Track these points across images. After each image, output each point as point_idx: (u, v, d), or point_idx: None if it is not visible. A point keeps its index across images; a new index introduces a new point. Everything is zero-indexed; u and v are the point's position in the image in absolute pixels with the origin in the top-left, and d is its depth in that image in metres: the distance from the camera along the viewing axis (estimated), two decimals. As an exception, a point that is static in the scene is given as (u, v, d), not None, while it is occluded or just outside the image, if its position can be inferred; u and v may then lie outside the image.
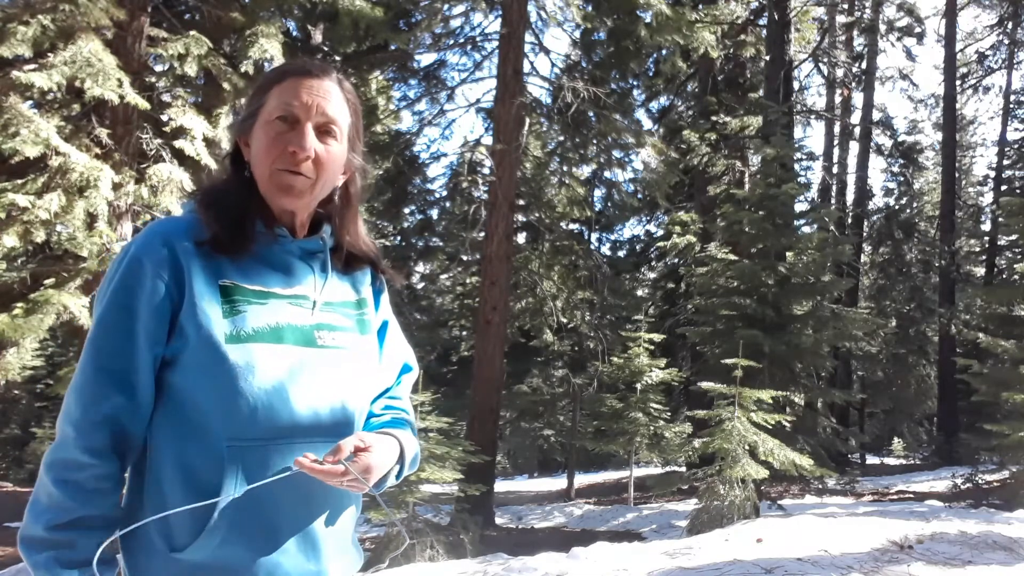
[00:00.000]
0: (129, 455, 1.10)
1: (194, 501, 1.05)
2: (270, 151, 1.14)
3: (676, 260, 14.61)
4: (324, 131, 1.16)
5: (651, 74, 14.89)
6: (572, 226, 14.44)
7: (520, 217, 12.53)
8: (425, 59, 26.27)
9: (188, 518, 1.05)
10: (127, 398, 1.07)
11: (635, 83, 14.24)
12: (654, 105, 16.96)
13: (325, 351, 1.15)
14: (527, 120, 10.55)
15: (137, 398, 1.08)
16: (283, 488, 1.08)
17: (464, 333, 17.01)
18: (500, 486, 14.85)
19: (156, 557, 1.07)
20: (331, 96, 1.17)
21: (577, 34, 11.80)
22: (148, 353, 1.08)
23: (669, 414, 12.25)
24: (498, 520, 10.52)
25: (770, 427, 7.14)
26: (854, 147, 19.04)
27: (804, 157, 16.06)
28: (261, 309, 1.11)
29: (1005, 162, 18.21)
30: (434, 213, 13.40)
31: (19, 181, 5.80)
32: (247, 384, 1.06)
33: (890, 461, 18.74)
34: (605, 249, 17.72)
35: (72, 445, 1.05)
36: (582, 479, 16.64)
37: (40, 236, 5.78)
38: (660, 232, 16.37)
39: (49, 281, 6.24)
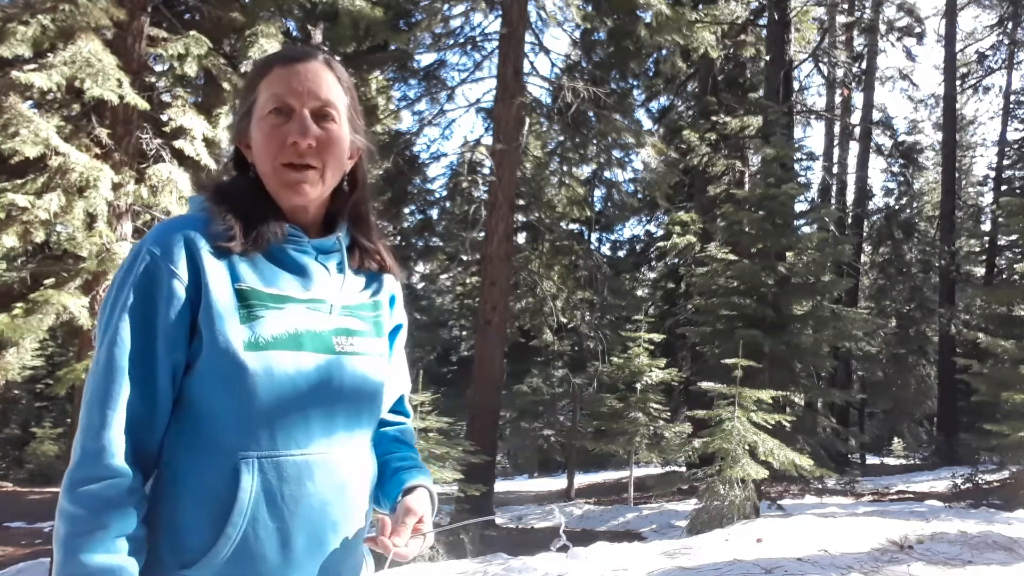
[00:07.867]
0: (148, 468, 1.04)
1: (207, 515, 1.01)
2: (269, 146, 1.09)
3: (676, 260, 14.60)
4: (321, 115, 1.11)
5: (651, 74, 14.89)
6: (572, 226, 14.44)
7: (520, 217, 12.52)
8: (425, 59, 26.21)
9: (201, 534, 1.01)
10: (147, 407, 1.01)
11: (635, 83, 14.24)
12: (654, 105, 16.99)
13: (343, 358, 1.11)
14: (527, 120, 10.55)
15: (157, 407, 1.02)
16: (300, 506, 1.05)
17: (464, 333, 17.04)
18: (500, 486, 14.85)
19: (165, 573, 1.02)
20: (322, 78, 1.12)
21: (577, 34, 11.81)
22: (167, 359, 1.02)
23: (669, 414, 12.25)
24: (498, 520, 10.52)
25: (770, 427, 7.14)
26: (854, 147, 19.04)
27: (804, 157, 16.08)
28: (279, 315, 1.06)
29: (1005, 162, 18.20)
30: (434, 213, 13.40)
31: (19, 181, 5.79)
32: (266, 393, 1.01)
33: (890, 461, 18.72)
34: (605, 249, 17.78)
35: (100, 456, 0.97)
36: (582, 479, 16.64)
37: (40, 236, 5.77)
38: (660, 232, 16.37)
39: (49, 281, 6.23)
